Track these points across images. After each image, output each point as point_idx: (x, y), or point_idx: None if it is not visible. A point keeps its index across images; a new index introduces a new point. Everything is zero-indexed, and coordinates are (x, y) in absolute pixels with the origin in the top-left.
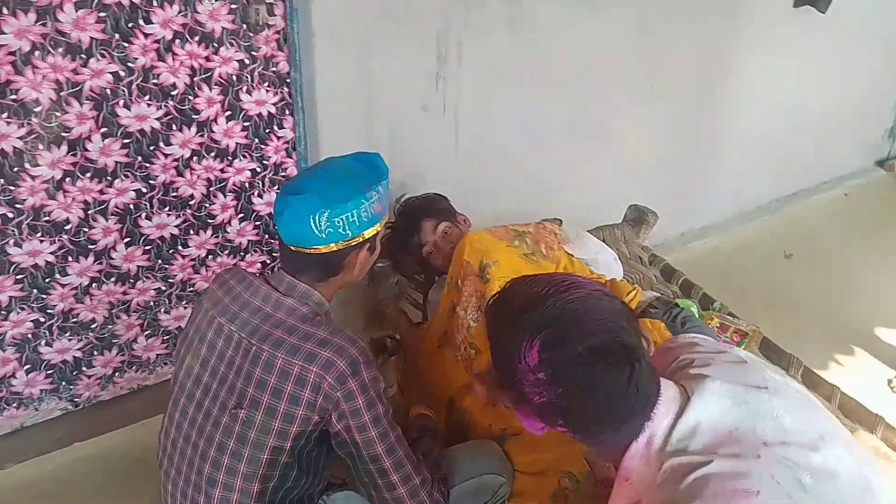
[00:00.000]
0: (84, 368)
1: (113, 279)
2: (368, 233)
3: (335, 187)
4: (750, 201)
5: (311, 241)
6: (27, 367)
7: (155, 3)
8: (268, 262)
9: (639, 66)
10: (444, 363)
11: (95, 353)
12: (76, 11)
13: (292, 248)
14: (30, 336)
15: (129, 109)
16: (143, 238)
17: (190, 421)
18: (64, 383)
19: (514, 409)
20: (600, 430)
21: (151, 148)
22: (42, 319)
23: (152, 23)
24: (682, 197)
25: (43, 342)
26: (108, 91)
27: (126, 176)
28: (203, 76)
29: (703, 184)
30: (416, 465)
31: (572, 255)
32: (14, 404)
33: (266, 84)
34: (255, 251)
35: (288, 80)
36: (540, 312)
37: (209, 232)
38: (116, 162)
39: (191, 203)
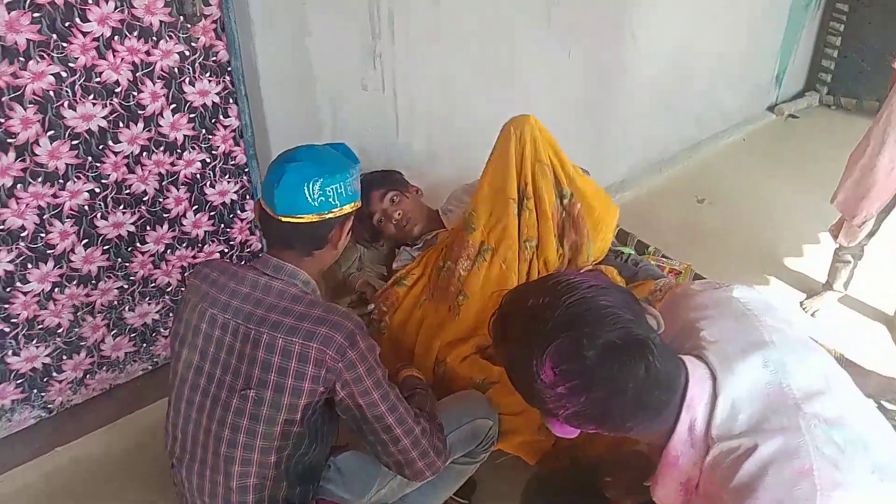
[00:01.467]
0: (54, 374)
1: (74, 282)
2: (351, 207)
3: (326, 160)
4: (658, 154)
5: (303, 208)
6: None
7: (90, 1)
8: (225, 251)
9: (554, 30)
10: (434, 315)
11: (64, 357)
12: (8, 13)
13: (283, 218)
14: None
15: (75, 110)
16: (100, 238)
17: (198, 408)
18: (35, 391)
19: (546, 421)
20: (635, 425)
21: (100, 147)
22: (7, 329)
23: (89, 21)
24: (601, 153)
25: (10, 352)
26: (52, 93)
27: (78, 178)
28: (145, 71)
29: (617, 140)
30: (415, 417)
31: None
32: None
33: (207, 74)
34: (213, 241)
35: (229, 69)
36: (542, 326)
37: (165, 226)
38: (67, 164)
39: (144, 199)
